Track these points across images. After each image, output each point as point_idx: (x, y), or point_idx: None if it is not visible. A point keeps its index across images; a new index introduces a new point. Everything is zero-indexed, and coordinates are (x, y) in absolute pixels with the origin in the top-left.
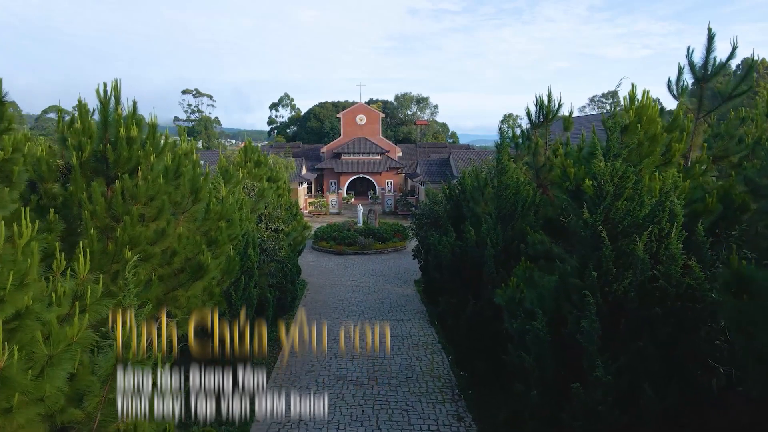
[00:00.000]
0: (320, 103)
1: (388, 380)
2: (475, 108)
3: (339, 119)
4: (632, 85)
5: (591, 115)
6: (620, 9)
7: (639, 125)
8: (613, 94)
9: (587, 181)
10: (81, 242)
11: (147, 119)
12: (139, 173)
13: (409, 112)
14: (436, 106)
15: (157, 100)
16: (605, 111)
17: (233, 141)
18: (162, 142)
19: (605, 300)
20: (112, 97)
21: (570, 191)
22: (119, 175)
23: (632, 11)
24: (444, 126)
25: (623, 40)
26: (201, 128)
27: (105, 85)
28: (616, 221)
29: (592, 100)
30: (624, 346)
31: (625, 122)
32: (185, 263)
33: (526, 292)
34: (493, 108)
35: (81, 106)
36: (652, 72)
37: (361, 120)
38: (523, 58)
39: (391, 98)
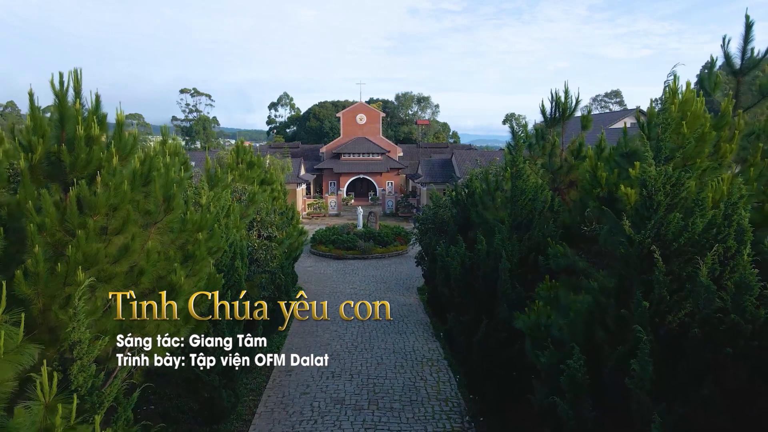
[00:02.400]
0: (320, 103)
1: (390, 404)
2: (476, 108)
3: (339, 119)
4: (675, 76)
5: (595, 114)
6: (620, 9)
7: (683, 123)
8: (617, 94)
9: (622, 187)
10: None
11: (146, 118)
12: (98, 179)
13: (410, 112)
14: (437, 106)
15: (156, 100)
16: (608, 111)
17: (232, 141)
18: (131, 142)
19: (655, 334)
20: (71, 90)
21: (602, 198)
22: (75, 181)
23: (632, 11)
24: (445, 126)
25: (623, 40)
26: (199, 128)
27: (61, 75)
28: (669, 238)
29: (594, 99)
30: (683, 393)
31: (668, 119)
32: (156, 283)
33: (553, 317)
34: (494, 108)
35: (32, 100)
36: (653, 72)
37: (361, 119)
38: (523, 58)
39: (391, 98)
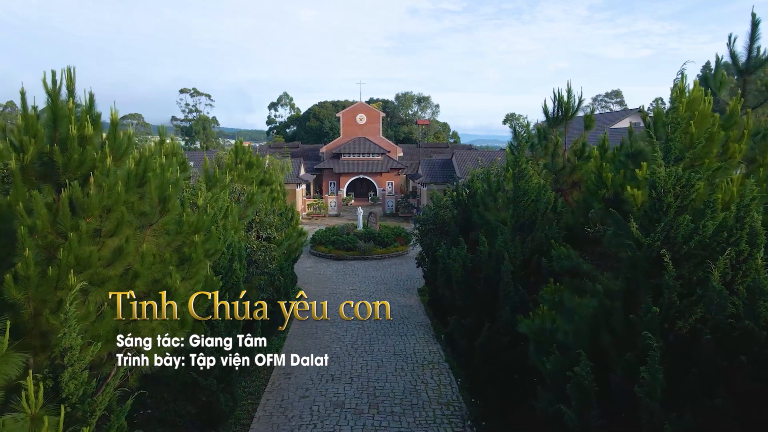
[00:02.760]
0: (320, 103)
1: (390, 407)
2: (476, 108)
3: (339, 119)
4: (682, 75)
5: (595, 114)
6: (620, 9)
7: (691, 122)
8: (617, 94)
9: (629, 188)
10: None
11: (145, 118)
12: (92, 180)
13: (410, 112)
14: (437, 106)
15: (156, 100)
16: (609, 111)
17: (232, 141)
18: (125, 142)
19: (665, 340)
20: (64, 89)
21: (607, 200)
22: (67, 182)
23: (632, 11)
24: (445, 126)
25: (623, 40)
26: (199, 128)
27: (54, 73)
28: (679, 241)
29: (595, 99)
30: (694, 401)
31: (677, 119)
32: (151, 286)
33: (558, 321)
34: (494, 108)
35: (23, 99)
36: (653, 72)
37: (361, 119)
38: (523, 58)
39: (391, 97)
